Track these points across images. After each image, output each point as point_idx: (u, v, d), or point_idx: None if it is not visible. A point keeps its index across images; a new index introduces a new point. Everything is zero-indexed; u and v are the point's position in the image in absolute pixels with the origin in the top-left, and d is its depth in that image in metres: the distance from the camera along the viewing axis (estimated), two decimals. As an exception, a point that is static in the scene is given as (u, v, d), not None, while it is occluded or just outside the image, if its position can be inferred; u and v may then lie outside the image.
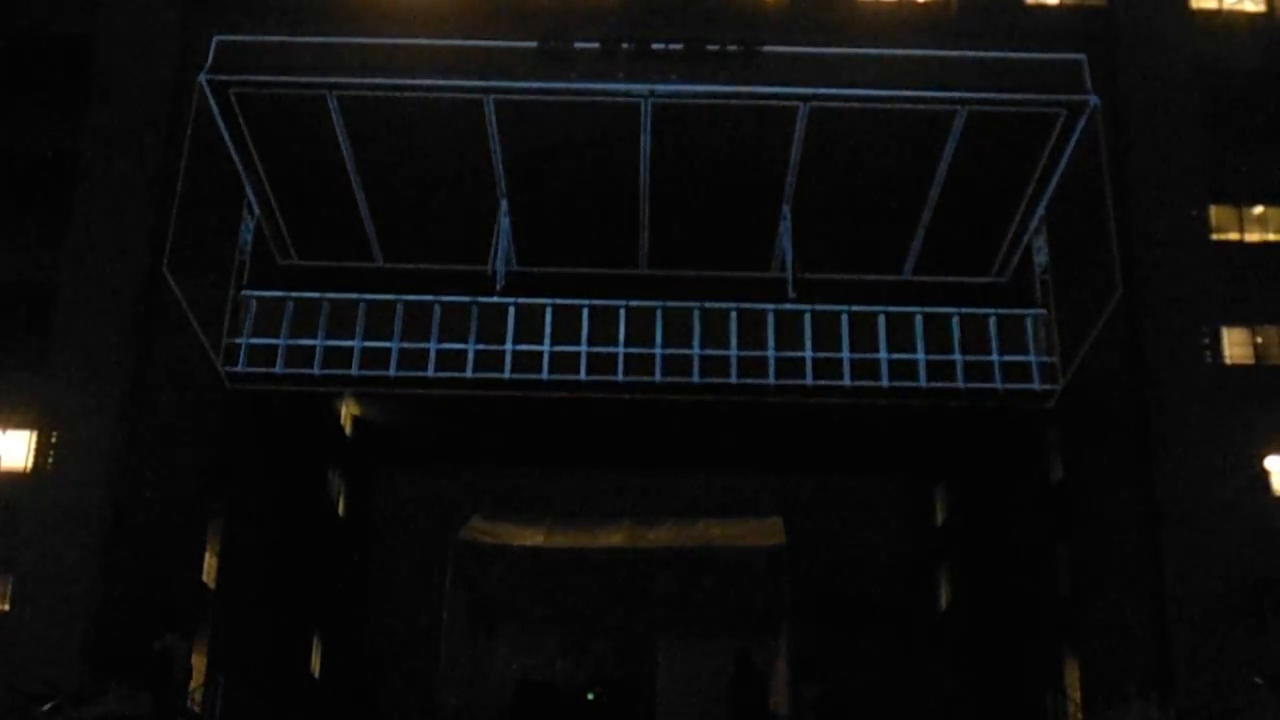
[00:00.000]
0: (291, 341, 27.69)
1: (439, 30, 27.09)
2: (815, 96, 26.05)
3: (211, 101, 26.05)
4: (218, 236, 27.69)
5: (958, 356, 27.78)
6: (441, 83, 25.94)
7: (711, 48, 25.81)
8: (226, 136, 26.76)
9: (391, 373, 27.58)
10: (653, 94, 26.04)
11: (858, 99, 26.07)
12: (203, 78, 25.81)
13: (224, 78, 25.93)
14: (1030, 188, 28.18)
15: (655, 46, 25.88)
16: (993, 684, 31.87)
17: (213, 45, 25.94)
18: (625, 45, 25.85)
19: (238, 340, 27.62)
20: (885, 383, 27.51)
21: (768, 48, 25.94)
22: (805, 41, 26.66)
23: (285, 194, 28.89)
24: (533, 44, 26.00)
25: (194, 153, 26.18)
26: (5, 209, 28.04)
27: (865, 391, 27.66)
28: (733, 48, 25.85)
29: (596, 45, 25.97)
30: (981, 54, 26.42)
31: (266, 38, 26.07)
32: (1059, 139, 26.91)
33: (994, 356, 27.82)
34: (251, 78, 25.98)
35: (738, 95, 26.11)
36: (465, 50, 26.21)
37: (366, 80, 25.94)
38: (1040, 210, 28.35)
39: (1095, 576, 27.66)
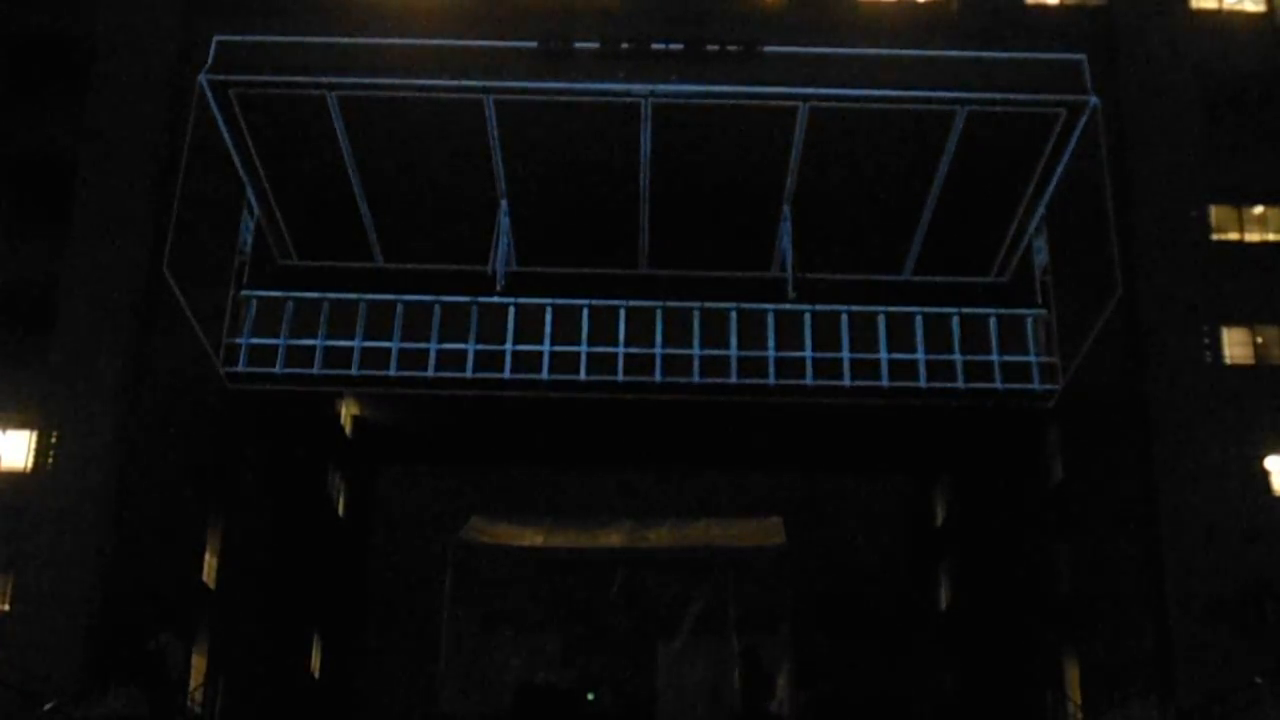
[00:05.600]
0: (292, 341, 27.72)
1: (439, 30, 27.10)
2: (815, 96, 26.07)
3: (211, 101, 26.05)
4: (218, 236, 27.70)
5: (958, 356, 27.80)
6: (441, 83, 25.96)
7: (711, 48, 25.83)
8: (227, 136, 26.76)
9: (391, 372, 27.61)
10: (653, 94, 26.05)
11: (858, 99, 26.09)
12: (203, 78, 25.81)
13: (224, 78, 25.93)
14: (1030, 187, 28.19)
15: (655, 46, 25.89)
16: (993, 684, 31.87)
17: (213, 45, 25.94)
18: (625, 45, 25.86)
19: (238, 340, 27.64)
20: (885, 383, 27.52)
21: (768, 48, 25.96)
22: (805, 41, 26.66)
23: (285, 194, 28.90)
24: (533, 44, 26.02)
25: (194, 153, 26.18)
26: (5, 209, 28.03)
27: (865, 391, 27.66)
28: (733, 48, 25.87)
29: (596, 45, 25.99)
30: (982, 54, 26.45)
31: (267, 38, 26.07)
32: (1059, 139, 26.92)
33: (994, 356, 27.82)
34: (251, 78, 26.00)
35: (738, 95, 26.13)
36: (465, 50, 26.22)
37: (366, 80, 25.95)
38: (1040, 210, 28.36)
39: (1095, 576, 27.66)
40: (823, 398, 27.73)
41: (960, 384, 27.65)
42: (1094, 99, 25.98)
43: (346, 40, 26.24)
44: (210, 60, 25.89)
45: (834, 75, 26.06)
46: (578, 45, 26.03)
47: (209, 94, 25.97)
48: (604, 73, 25.97)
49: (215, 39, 25.99)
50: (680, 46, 25.91)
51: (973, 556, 34.06)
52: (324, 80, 25.98)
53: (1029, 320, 28.21)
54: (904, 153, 27.38)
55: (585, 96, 26.14)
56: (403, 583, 35.87)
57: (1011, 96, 26.07)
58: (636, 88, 25.99)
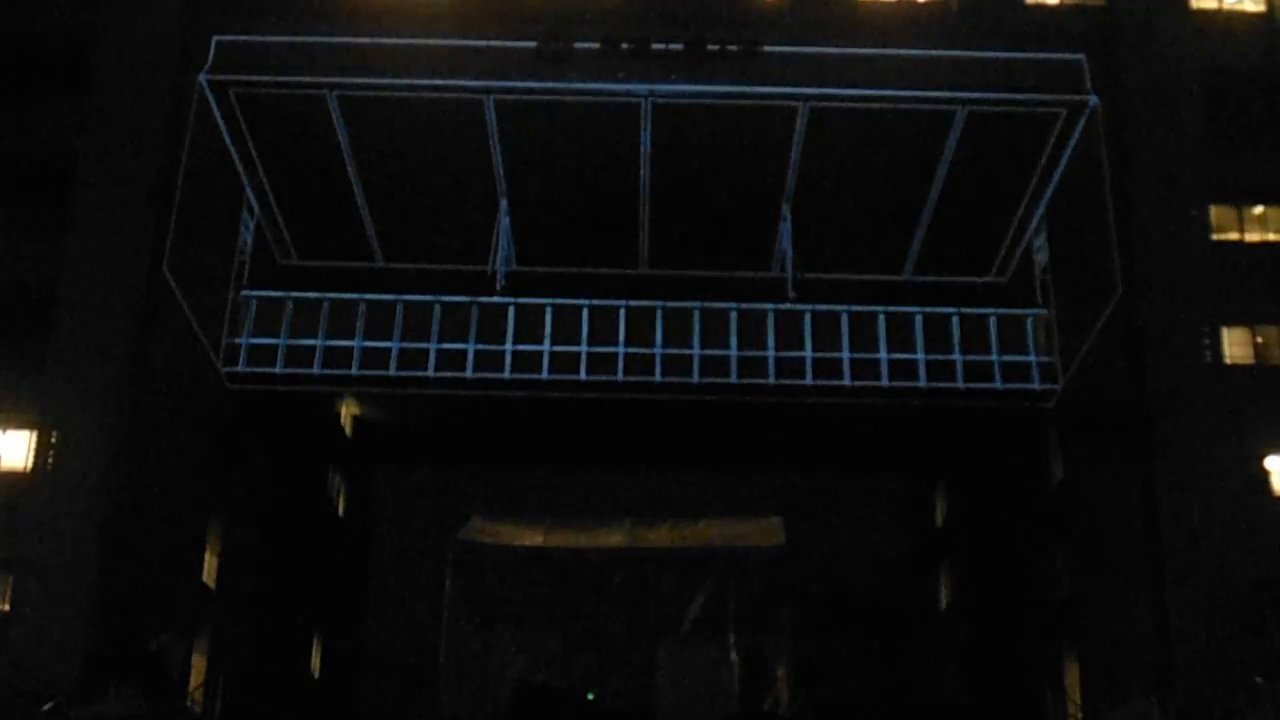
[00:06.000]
0: (292, 342, 27.70)
1: (439, 30, 27.10)
2: (815, 96, 26.08)
3: (211, 101, 26.05)
4: (218, 236, 27.70)
5: (957, 356, 27.77)
6: (441, 83, 25.96)
7: (712, 48, 25.84)
8: (227, 136, 26.76)
9: (391, 373, 27.58)
10: (652, 94, 26.06)
11: (858, 99, 26.10)
12: (203, 78, 25.81)
13: (224, 78, 25.93)
14: (1030, 187, 28.18)
15: (655, 46, 25.90)
16: (993, 684, 31.84)
17: (213, 45, 25.94)
18: (625, 45, 25.87)
19: (238, 340, 27.62)
20: (885, 382, 27.48)
21: (768, 48, 25.97)
22: (805, 41, 26.67)
23: (285, 194, 28.90)
24: (533, 44, 26.03)
25: (194, 153, 26.19)
26: (5, 209, 28.02)
27: (865, 391, 27.64)
28: (733, 48, 25.88)
29: (596, 45, 26.00)
30: (982, 54, 26.45)
31: (267, 38, 26.07)
32: (1059, 139, 26.92)
33: (994, 356, 27.80)
34: (251, 78, 26.00)
35: (738, 95, 26.13)
36: (465, 50, 26.22)
37: (366, 80, 25.95)
38: (1040, 210, 28.35)
39: (1095, 576, 27.64)
40: (823, 397, 27.70)
41: (960, 384, 27.62)
42: (1094, 98, 25.99)
43: (347, 40, 26.25)
44: (210, 60, 25.89)
45: (834, 75, 26.07)
46: (578, 45, 26.04)
47: (209, 94, 25.97)
48: (604, 73, 25.99)
49: (215, 39, 25.99)
50: (680, 47, 25.92)
51: (973, 556, 34.00)
52: (324, 80, 25.99)
53: (1029, 320, 28.18)
54: (904, 153, 27.38)
55: (585, 96, 26.15)
56: (403, 583, 35.84)
57: (1011, 96, 26.09)
58: (636, 88, 26.00)
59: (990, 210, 28.77)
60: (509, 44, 26.22)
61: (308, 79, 25.99)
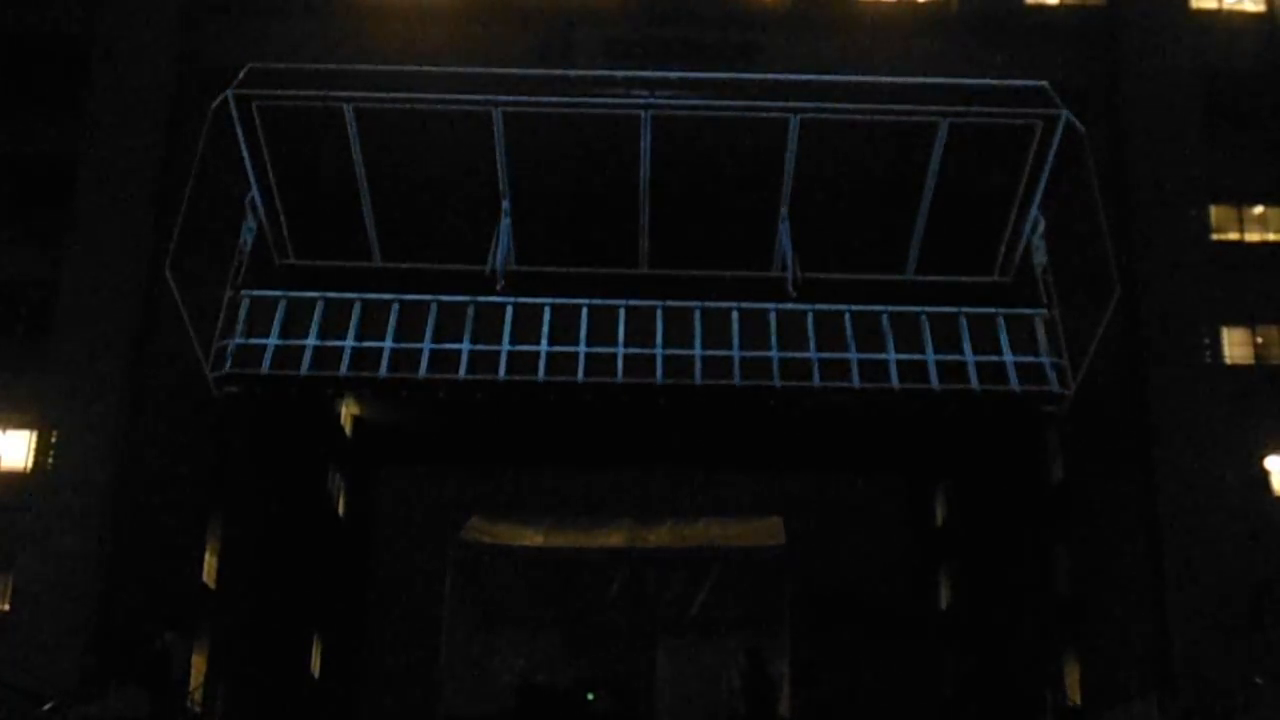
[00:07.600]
0: (283, 342, 27.44)
1: (439, 29, 27.33)
2: (803, 109, 26.32)
3: (234, 114, 26.21)
4: (217, 237, 27.67)
5: (969, 357, 27.38)
6: (451, 97, 26.35)
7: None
8: (244, 145, 26.87)
9: (382, 373, 27.21)
10: (650, 107, 26.32)
11: (845, 111, 26.46)
12: (230, 94, 25.93)
13: (249, 92, 26.16)
14: (1019, 191, 28.14)
15: (654, 74, 26.41)
16: (993, 684, 31.84)
17: (243, 72, 26.31)
18: (621, 75, 26.40)
19: (232, 341, 27.48)
20: (895, 384, 27.10)
21: (759, 75, 26.53)
22: (804, 41, 26.78)
23: (291, 197, 28.87)
24: (538, 70, 26.70)
25: (200, 157, 26.23)
26: (5, 209, 28.02)
27: (876, 395, 27.33)
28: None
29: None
30: (954, 80, 26.91)
31: (295, 65, 26.47)
32: (1040, 146, 26.94)
33: (1006, 357, 27.39)
34: (276, 92, 26.25)
35: (730, 108, 26.50)
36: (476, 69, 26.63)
37: (382, 95, 26.39)
38: (1034, 212, 28.23)
39: (1095, 576, 27.64)
40: (832, 399, 27.45)
41: (975, 385, 27.03)
42: (1065, 113, 26.05)
43: (367, 68, 26.58)
44: (239, 80, 26.20)
45: (820, 93, 26.42)
46: (577, 73, 26.71)
47: (233, 108, 26.16)
48: (604, 82, 26.49)
49: (249, 66, 26.33)
50: (678, 75, 26.52)
51: (973, 556, 34.04)
52: (342, 95, 26.37)
53: (1037, 321, 27.94)
54: (897, 158, 27.55)
55: (587, 109, 26.46)
56: (403, 583, 35.84)
57: (988, 110, 26.51)
58: (634, 101, 26.32)
59: (985, 212, 28.74)
60: (518, 72, 26.77)
61: (329, 94, 26.41)
